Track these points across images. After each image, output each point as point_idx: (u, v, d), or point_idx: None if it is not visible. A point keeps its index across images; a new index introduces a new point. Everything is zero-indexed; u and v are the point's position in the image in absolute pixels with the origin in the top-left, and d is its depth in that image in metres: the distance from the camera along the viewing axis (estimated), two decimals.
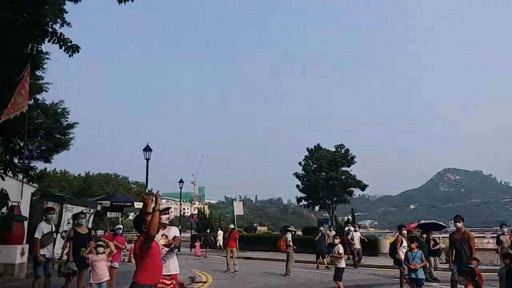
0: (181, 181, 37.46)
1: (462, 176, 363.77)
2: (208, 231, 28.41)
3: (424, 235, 14.04)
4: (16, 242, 11.91)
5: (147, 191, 25.52)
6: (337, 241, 10.62)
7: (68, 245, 8.36)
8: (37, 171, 12.69)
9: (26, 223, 13.19)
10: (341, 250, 10.19)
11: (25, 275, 11.91)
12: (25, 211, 13.79)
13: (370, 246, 21.76)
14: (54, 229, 8.83)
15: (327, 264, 16.36)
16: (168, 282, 5.59)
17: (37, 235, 8.43)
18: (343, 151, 34.98)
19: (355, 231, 18.58)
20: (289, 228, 15.78)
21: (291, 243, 14.66)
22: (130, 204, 21.76)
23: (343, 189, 33.94)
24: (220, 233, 27.46)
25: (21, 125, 13.46)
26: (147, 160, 21.78)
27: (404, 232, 11.63)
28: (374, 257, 20.79)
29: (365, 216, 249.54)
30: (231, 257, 15.82)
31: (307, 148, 36.20)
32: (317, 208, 38.29)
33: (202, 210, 52.67)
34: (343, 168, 34.67)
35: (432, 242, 13.90)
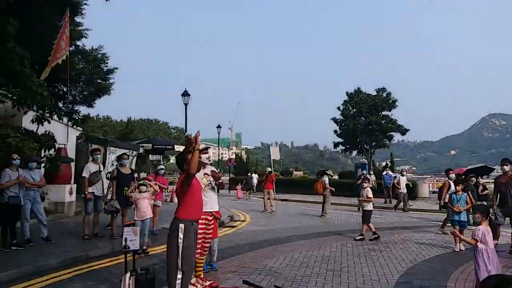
0: (218, 126, 38.07)
1: (509, 121, 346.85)
2: (249, 174, 28.82)
3: (473, 179, 13.55)
4: (64, 182, 12.59)
5: (186, 135, 26.03)
6: (365, 185, 10.55)
7: (112, 184, 8.73)
8: (80, 115, 13.15)
9: (73, 164, 13.88)
10: (370, 194, 10.14)
11: (74, 213, 12.70)
12: (71, 153, 14.45)
13: (409, 190, 22.23)
14: (101, 168, 9.19)
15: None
16: (210, 218, 5.76)
17: (85, 174, 8.83)
18: (384, 94, 33.87)
19: (402, 175, 17.92)
20: (327, 172, 15.80)
21: (328, 185, 14.74)
22: (170, 147, 22.38)
23: (383, 134, 33.31)
24: (254, 176, 28.71)
25: (64, 71, 13.80)
26: (186, 105, 22.01)
27: (452, 175, 11.27)
28: (412, 200, 20.73)
29: (403, 162, 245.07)
30: (268, 198, 16.18)
31: (347, 93, 35.26)
32: (354, 153, 37.99)
33: (240, 155, 53.62)
34: (384, 113, 33.81)
35: (480, 187, 13.42)
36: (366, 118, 33.02)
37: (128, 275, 4.12)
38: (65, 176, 12.75)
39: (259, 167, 45.95)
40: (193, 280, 5.35)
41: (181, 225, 4.37)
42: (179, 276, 4.29)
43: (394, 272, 6.44)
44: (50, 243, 7.94)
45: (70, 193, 12.82)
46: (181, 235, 4.33)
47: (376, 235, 9.52)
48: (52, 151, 12.51)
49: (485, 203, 13.08)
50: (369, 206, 9.97)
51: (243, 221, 13.24)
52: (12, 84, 10.23)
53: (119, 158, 9.27)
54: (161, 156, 23.93)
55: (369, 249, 8.50)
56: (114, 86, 20.89)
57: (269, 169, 19.33)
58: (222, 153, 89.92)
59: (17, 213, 7.60)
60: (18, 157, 7.84)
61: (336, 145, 36.49)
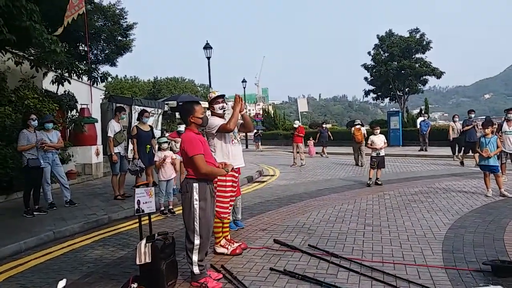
0: (243, 81, 36.90)
1: None
2: (324, 126, 21.80)
3: None
4: (90, 143, 12.39)
5: (211, 91, 25.47)
6: (377, 131, 10.41)
7: (133, 142, 8.34)
8: (100, 72, 12.70)
9: (98, 125, 13.64)
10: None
11: (103, 174, 12.58)
12: (96, 113, 14.18)
13: (440, 136, 21.17)
14: (123, 128, 8.79)
15: (462, 158, 13.85)
16: (237, 175, 5.28)
17: (110, 133, 8.36)
18: (418, 36, 31.84)
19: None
20: (355, 123, 15.44)
21: (366, 135, 14.19)
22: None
23: (417, 78, 31.74)
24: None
25: (83, 30, 13.25)
26: (208, 58, 21.35)
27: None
28: (444, 147, 19.87)
29: (435, 109, 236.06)
30: (298, 152, 15.72)
31: (377, 36, 33.36)
32: (386, 100, 36.55)
33: (267, 110, 52.70)
34: (417, 56, 32.00)
35: None
36: (399, 63, 31.35)
37: (143, 242, 3.67)
38: (90, 137, 12.55)
39: (286, 121, 45.02)
40: (223, 242, 4.95)
41: (195, 185, 3.87)
42: (197, 241, 3.84)
43: (440, 225, 5.83)
44: (73, 207, 7.74)
45: (97, 154, 12.67)
46: (196, 196, 3.83)
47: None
48: (74, 112, 12.25)
49: None
50: (383, 152, 10.20)
51: (273, 175, 12.81)
52: (25, 43, 9.79)
53: (140, 115, 8.80)
54: None
55: (408, 200, 7.89)
56: (136, 43, 20.40)
57: (298, 122, 18.67)
58: (249, 109, 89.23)
59: (39, 176, 7.34)
60: (37, 118, 7.52)
61: (367, 93, 35.12)
